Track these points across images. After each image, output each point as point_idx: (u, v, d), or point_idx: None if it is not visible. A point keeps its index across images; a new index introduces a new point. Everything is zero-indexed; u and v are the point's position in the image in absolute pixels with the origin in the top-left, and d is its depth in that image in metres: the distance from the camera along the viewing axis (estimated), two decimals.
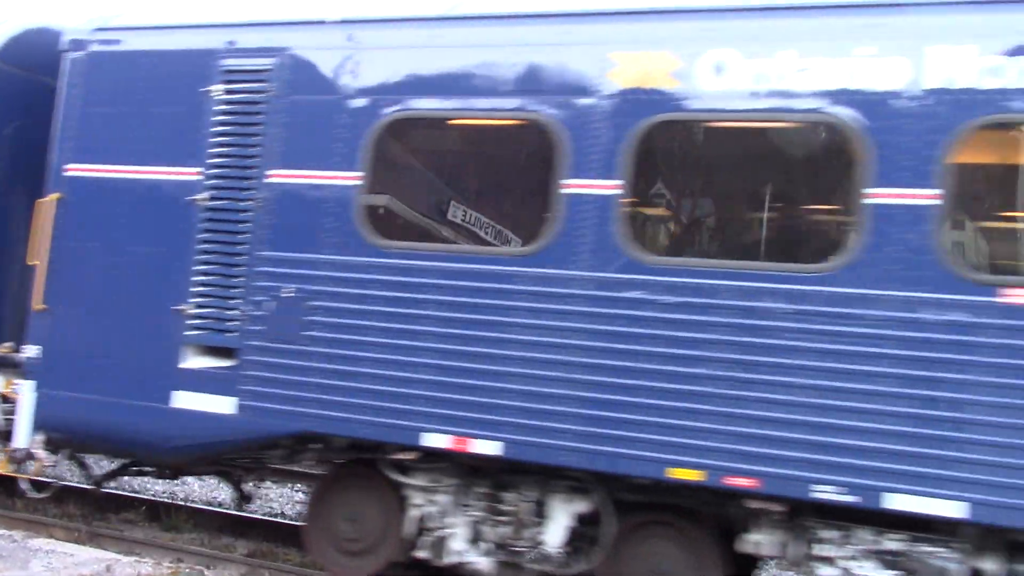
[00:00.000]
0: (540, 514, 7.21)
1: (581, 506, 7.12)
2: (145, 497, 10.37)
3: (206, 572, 7.73)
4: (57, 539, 8.31)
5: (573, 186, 6.67)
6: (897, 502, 5.86)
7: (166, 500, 10.74)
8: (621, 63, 6.65)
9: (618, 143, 6.56)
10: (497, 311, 6.76)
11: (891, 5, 6.18)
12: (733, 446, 6.17)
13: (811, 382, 6.04)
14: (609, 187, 6.58)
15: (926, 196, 5.92)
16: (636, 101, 6.58)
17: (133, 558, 7.75)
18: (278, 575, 8.17)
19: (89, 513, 9.72)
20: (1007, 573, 6.02)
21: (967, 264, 5.86)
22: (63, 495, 9.81)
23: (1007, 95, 5.84)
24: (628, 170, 6.55)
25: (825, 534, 6.30)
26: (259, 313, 7.44)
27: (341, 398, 7.14)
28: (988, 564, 6.06)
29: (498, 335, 6.74)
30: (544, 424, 6.60)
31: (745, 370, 6.17)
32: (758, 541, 6.60)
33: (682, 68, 6.50)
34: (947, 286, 5.82)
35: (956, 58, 5.94)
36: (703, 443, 6.23)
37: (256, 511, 10.58)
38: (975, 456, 5.71)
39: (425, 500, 7.50)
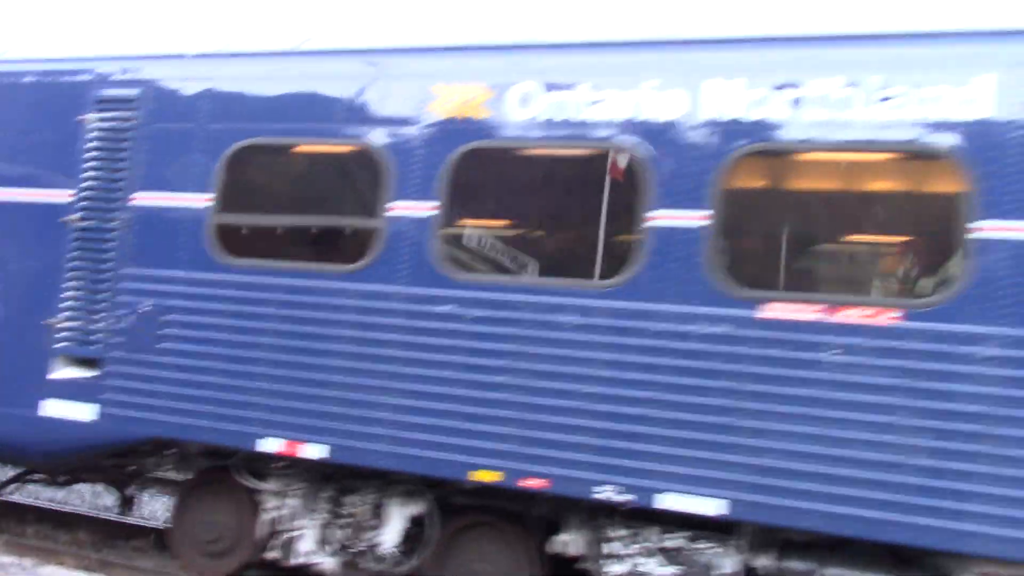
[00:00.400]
0: (378, 516, 7.66)
1: (414, 509, 7.58)
2: (153, 526, 10.16)
3: None
4: (67, 567, 8.33)
5: (396, 208, 7.19)
6: (667, 501, 6.31)
7: None
8: (440, 95, 7.19)
9: (436, 168, 7.09)
10: (325, 323, 7.26)
11: (674, 43, 6.70)
12: (526, 449, 6.63)
13: (594, 389, 6.50)
14: (427, 209, 7.10)
15: (698, 218, 6.42)
16: (452, 130, 7.11)
17: None
18: None
19: (99, 540, 9.67)
20: (777, 569, 6.45)
21: (731, 280, 6.32)
22: (73, 522, 9.94)
23: (770, 125, 6.34)
24: (444, 193, 7.07)
25: (615, 533, 6.74)
26: (120, 326, 7.95)
27: (189, 405, 7.64)
28: (761, 561, 6.49)
29: (325, 346, 7.24)
30: (363, 429, 7.08)
31: (536, 378, 6.64)
32: (566, 541, 7.05)
33: (493, 99, 7.04)
34: (714, 300, 6.30)
35: (727, 91, 6.45)
36: (500, 446, 6.70)
37: None
38: (735, 458, 6.15)
39: (277, 504, 7.96)
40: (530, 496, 6.92)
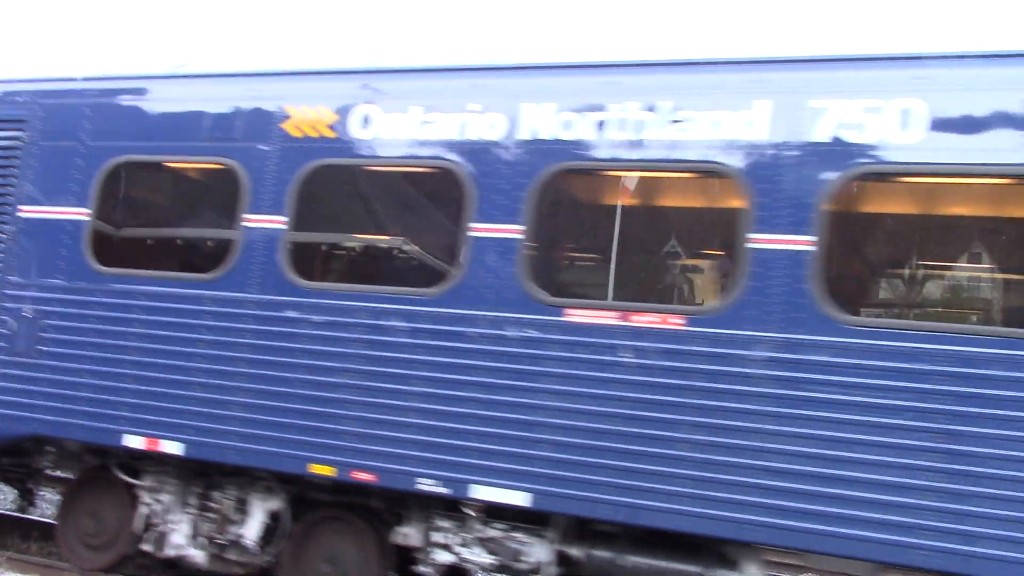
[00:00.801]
0: (242, 511, 8.15)
1: (274, 504, 8.07)
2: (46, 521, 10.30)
3: None
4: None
5: (250, 221, 7.73)
6: (480, 493, 6.80)
7: None
8: (293, 115, 7.74)
9: (287, 184, 7.63)
10: (185, 328, 7.78)
11: (495, 68, 7.25)
12: (356, 444, 7.14)
13: (416, 388, 7.02)
14: (278, 222, 7.64)
15: (513, 231, 6.95)
16: (302, 148, 7.66)
17: None
18: None
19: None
20: (586, 557, 6.93)
21: (540, 288, 6.84)
22: None
23: (578, 145, 6.88)
24: (293, 207, 7.61)
25: (441, 524, 7.23)
26: (4, 331, 8.48)
27: (63, 404, 8.16)
28: (573, 550, 6.98)
29: (186, 348, 7.76)
30: (215, 427, 7.59)
31: (369, 378, 7.16)
32: (406, 533, 7.53)
33: (338, 121, 7.59)
34: (525, 307, 6.82)
35: (541, 114, 6.99)
36: (334, 442, 7.21)
37: None
38: (538, 453, 6.65)
39: (151, 499, 8.46)
40: (375, 491, 7.41)
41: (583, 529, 7.03)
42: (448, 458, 6.89)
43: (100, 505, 8.76)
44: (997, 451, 5.70)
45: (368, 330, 7.22)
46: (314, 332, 7.39)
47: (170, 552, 8.38)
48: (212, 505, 8.29)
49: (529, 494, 6.67)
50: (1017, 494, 5.64)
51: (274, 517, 8.10)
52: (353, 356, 7.24)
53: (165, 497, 8.44)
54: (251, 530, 8.11)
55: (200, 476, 8.29)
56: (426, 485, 6.95)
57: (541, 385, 6.72)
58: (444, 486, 6.90)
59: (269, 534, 8.10)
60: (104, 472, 8.71)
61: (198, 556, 8.33)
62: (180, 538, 8.38)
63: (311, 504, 8.00)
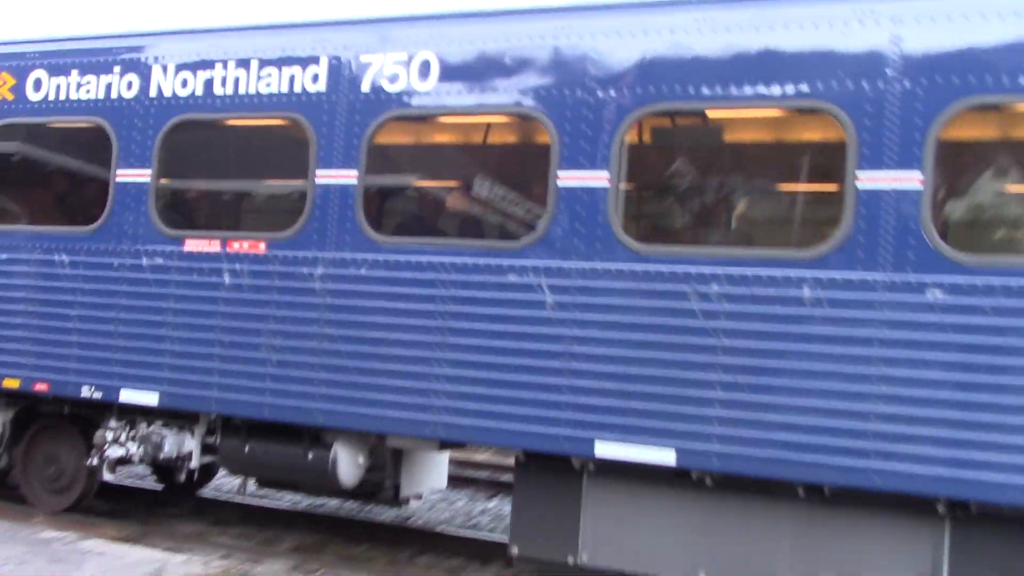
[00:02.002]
0: None
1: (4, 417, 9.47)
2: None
3: (256, 568, 7.89)
4: (108, 538, 8.44)
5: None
6: (124, 396, 8.17)
7: (213, 495, 11.06)
8: None
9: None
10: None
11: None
12: (35, 360, 8.52)
13: (75, 312, 8.36)
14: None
15: (146, 175, 8.23)
16: None
17: (184, 556, 7.89)
18: (327, 568, 8.29)
19: (137, 510, 10.13)
20: (220, 444, 8.30)
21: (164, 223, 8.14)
22: (113, 494, 10.32)
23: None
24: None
25: (113, 424, 8.62)
26: None
27: None
28: (209, 439, 8.39)
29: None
30: None
31: (40, 304, 8.51)
32: (100, 435, 8.89)
33: (16, 84, 8.84)
34: (154, 239, 8.12)
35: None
36: (19, 360, 8.59)
37: (300, 503, 10.91)
38: (164, 360, 8.01)
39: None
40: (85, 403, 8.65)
41: (225, 424, 8.39)
42: (101, 368, 8.26)
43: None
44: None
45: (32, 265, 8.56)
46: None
47: None
48: None
49: (156, 394, 8.05)
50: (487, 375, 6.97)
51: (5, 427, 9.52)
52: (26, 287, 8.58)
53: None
54: None
55: None
56: (85, 392, 8.34)
57: (167, 305, 8.05)
58: (96, 392, 8.29)
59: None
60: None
61: None
62: None
63: (38, 415, 9.38)
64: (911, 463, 5.93)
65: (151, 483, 11.17)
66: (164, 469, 10.05)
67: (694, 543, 6.77)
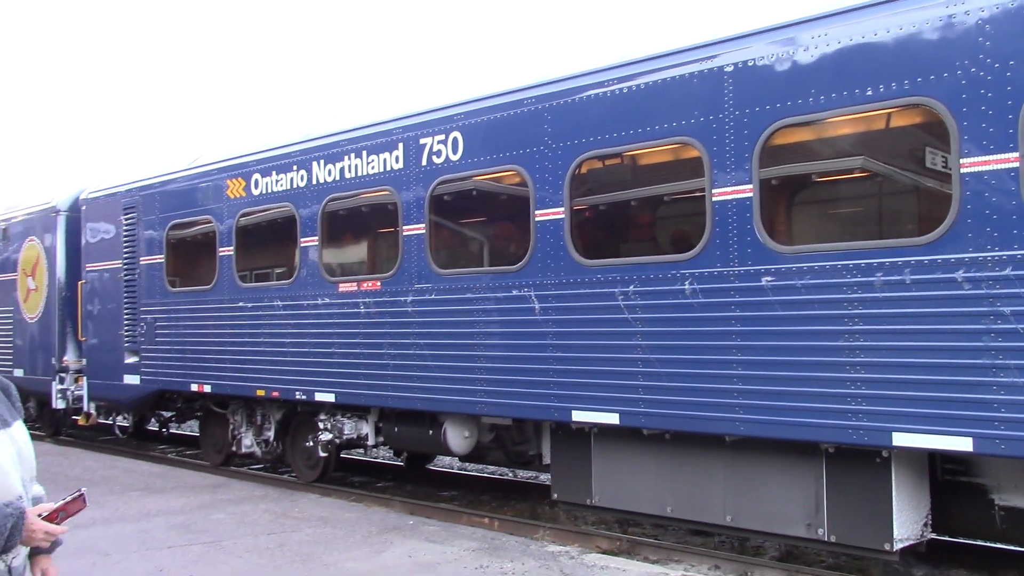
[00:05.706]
0: None
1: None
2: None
3: None
4: (601, 551, 9.01)
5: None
6: (319, 396, 11.62)
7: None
8: None
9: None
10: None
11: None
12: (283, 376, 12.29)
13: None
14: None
15: None
16: None
17: (680, 570, 8.19)
18: None
19: (618, 520, 10.26)
20: (384, 427, 11.45)
21: None
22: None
23: None
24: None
25: (322, 417, 12.12)
26: (143, 331, 14.74)
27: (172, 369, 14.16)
28: (380, 424, 11.60)
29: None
30: None
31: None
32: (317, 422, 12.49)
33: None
34: None
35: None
36: (279, 377, 12.42)
37: None
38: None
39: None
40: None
41: (383, 413, 11.56)
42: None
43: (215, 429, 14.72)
44: None
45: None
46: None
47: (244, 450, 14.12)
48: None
49: (332, 394, 11.39)
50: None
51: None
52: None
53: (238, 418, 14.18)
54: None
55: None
56: (298, 395, 11.94)
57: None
58: (302, 394, 11.85)
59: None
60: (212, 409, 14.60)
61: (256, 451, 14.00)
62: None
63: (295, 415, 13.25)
64: (758, 413, 7.59)
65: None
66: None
67: (662, 486, 8.68)
